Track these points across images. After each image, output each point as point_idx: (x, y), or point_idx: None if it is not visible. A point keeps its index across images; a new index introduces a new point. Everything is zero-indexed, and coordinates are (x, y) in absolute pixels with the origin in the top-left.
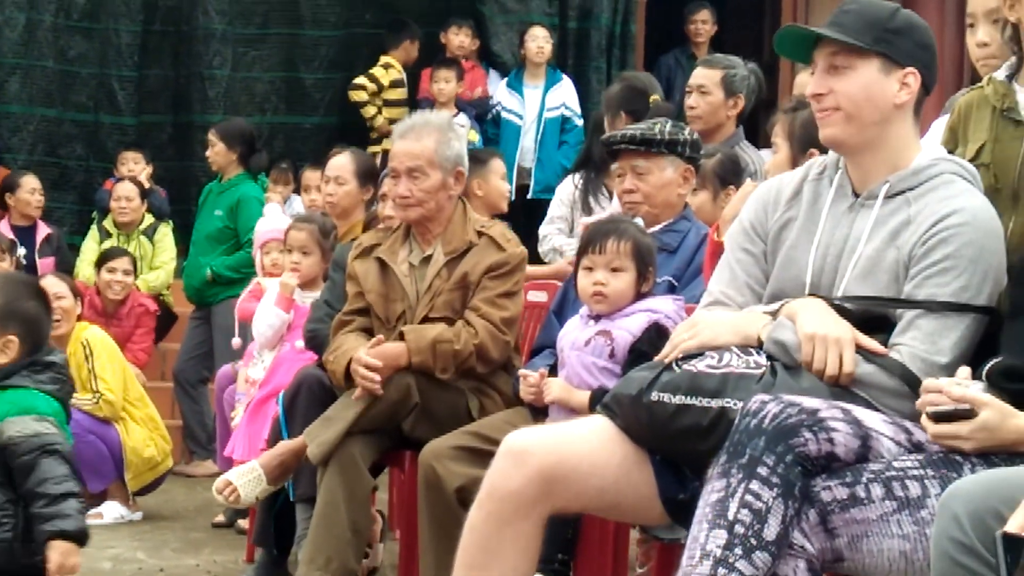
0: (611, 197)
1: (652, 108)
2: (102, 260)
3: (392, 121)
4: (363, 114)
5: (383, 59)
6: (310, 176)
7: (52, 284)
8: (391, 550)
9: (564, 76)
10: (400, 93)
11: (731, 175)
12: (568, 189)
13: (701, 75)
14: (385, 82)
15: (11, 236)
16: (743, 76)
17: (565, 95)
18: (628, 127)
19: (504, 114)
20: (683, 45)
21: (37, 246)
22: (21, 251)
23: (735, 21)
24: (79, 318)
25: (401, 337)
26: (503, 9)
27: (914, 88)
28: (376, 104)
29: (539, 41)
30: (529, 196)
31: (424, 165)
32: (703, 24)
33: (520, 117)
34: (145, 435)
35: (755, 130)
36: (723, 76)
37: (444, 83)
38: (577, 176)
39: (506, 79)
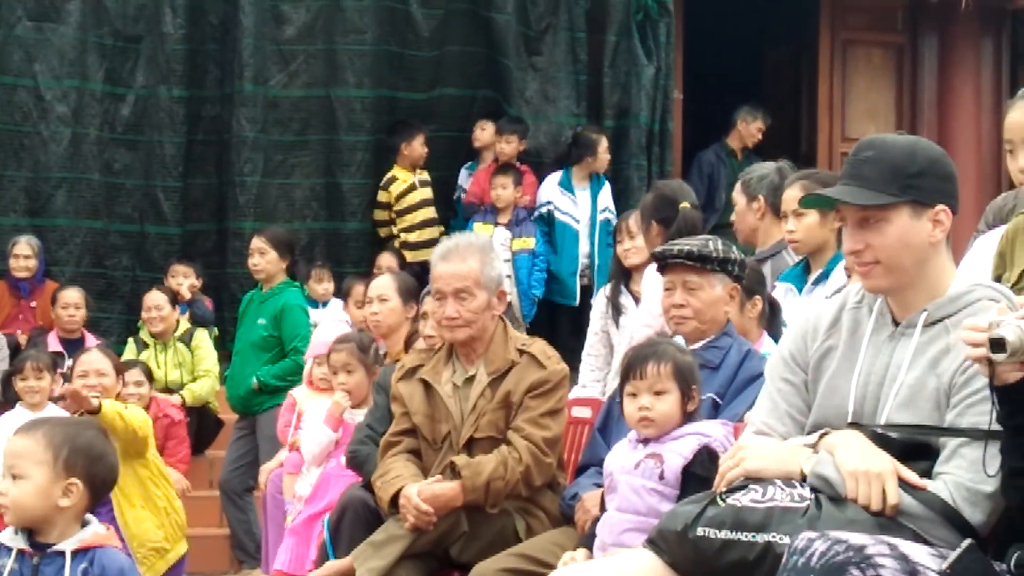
0: (636, 300)
1: (680, 215)
2: None
3: (407, 229)
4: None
5: (386, 176)
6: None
7: (95, 360)
8: None
9: (607, 181)
10: (412, 199)
11: (757, 285)
12: (601, 301)
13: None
14: (392, 199)
15: (59, 348)
16: (760, 176)
17: (607, 198)
18: (684, 240)
19: (559, 215)
20: (721, 140)
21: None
22: (68, 363)
23: (772, 113)
24: (148, 407)
25: (452, 467)
26: (531, 109)
27: (947, 223)
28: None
29: (605, 152)
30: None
31: (471, 286)
32: (758, 132)
33: (576, 220)
34: (155, 521)
35: None
36: (741, 183)
37: (502, 189)
38: (608, 286)
39: (558, 179)
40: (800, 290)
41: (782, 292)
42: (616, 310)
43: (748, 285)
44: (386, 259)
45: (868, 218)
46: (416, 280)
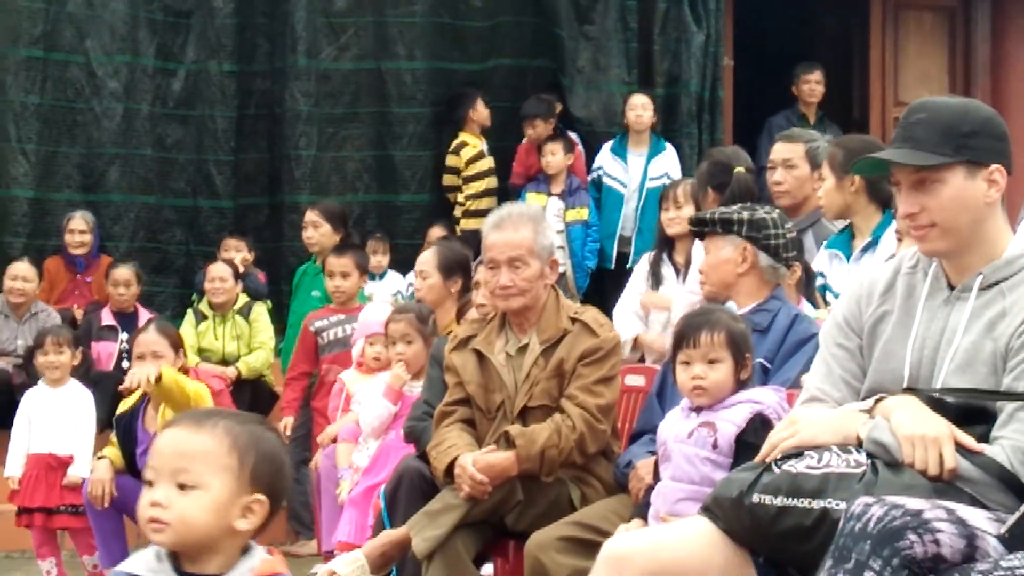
0: (676, 270)
1: (734, 179)
2: None
3: (474, 196)
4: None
5: (455, 142)
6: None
7: (151, 342)
8: None
9: (668, 145)
10: (480, 165)
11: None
12: (643, 267)
13: (786, 150)
14: (462, 164)
15: (113, 322)
16: (824, 148)
17: (668, 164)
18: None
19: (606, 180)
20: (792, 106)
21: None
22: (123, 337)
23: (825, 81)
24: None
25: (507, 437)
26: (583, 78)
27: (1002, 183)
28: (459, 183)
29: (637, 109)
30: (628, 265)
31: (525, 255)
32: (816, 85)
33: (623, 185)
34: None
35: None
36: (807, 150)
37: (551, 156)
38: (651, 254)
39: (611, 144)
40: (847, 256)
41: (827, 258)
42: (656, 279)
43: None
44: (436, 232)
45: (923, 180)
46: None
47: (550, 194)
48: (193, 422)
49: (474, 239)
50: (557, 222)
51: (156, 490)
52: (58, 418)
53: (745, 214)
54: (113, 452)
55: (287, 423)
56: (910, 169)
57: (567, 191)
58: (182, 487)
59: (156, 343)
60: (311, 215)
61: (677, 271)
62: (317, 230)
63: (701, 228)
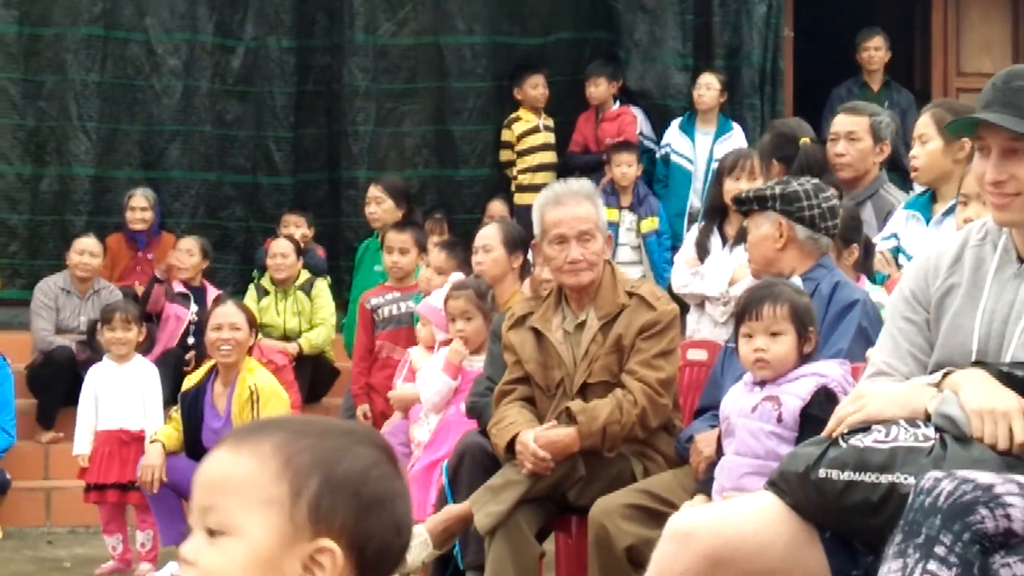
0: (725, 243)
1: (801, 150)
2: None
3: (527, 170)
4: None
5: (511, 116)
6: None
7: (230, 313)
8: None
9: (735, 126)
10: (533, 140)
11: (853, 232)
12: (693, 234)
13: (849, 122)
14: (514, 138)
15: (184, 290)
16: (887, 122)
17: (735, 145)
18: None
19: (674, 157)
20: (855, 76)
21: (208, 307)
22: (194, 308)
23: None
24: (249, 351)
25: (568, 413)
26: (639, 51)
27: None
28: (513, 157)
29: (701, 89)
30: None
31: (592, 229)
32: (876, 51)
33: (691, 162)
34: None
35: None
36: (871, 123)
37: (627, 167)
38: (702, 223)
39: (679, 122)
40: (928, 219)
41: (903, 219)
42: (703, 250)
43: (844, 234)
44: (496, 207)
45: (1017, 149)
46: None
47: (620, 207)
48: (237, 439)
49: (527, 214)
50: (631, 236)
51: (190, 539)
52: (126, 394)
53: (778, 188)
54: (167, 433)
55: (365, 411)
56: (1005, 135)
57: (636, 201)
58: (211, 533)
59: (235, 315)
60: (374, 191)
61: (725, 241)
62: (380, 206)
63: (741, 207)
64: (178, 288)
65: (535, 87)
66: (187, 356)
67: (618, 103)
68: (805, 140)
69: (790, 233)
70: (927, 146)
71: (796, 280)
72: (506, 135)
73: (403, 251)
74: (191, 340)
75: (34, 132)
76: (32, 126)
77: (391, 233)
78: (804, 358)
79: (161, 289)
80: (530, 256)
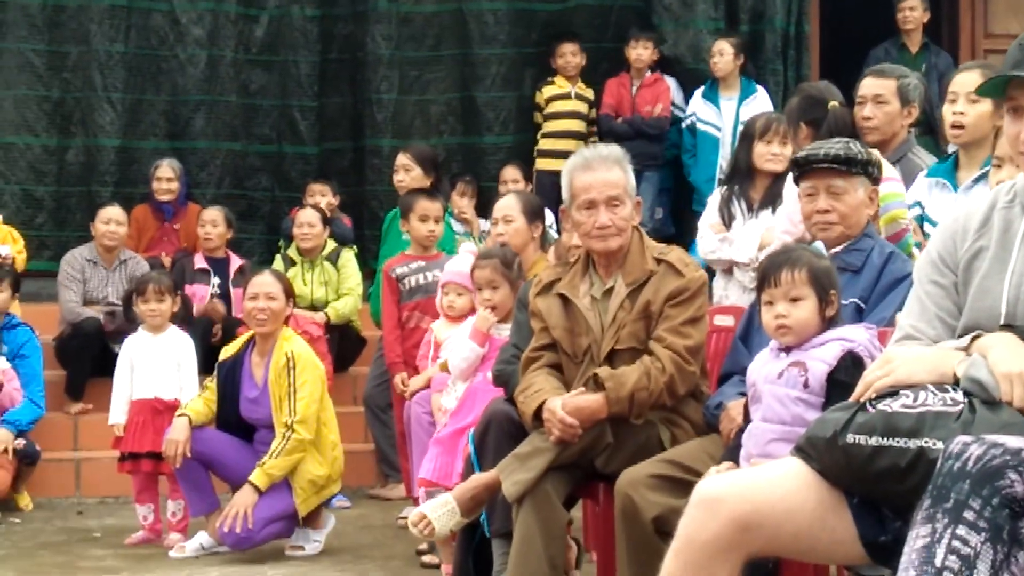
0: (750, 209)
1: (830, 114)
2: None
3: (552, 135)
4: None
5: (546, 80)
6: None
7: (266, 283)
8: (587, 572)
9: (759, 88)
10: (560, 105)
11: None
12: (716, 199)
13: (876, 85)
14: (543, 101)
15: (205, 266)
16: (915, 85)
17: (761, 107)
18: (824, 144)
19: (700, 125)
20: (893, 37)
21: (231, 277)
22: (216, 281)
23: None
24: (286, 321)
25: (595, 380)
26: (671, 16)
27: None
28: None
29: (715, 56)
30: None
31: (621, 194)
32: (911, 11)
33: (718, 129)
34: (319, 459)
35: None
36: (898, 85)
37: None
38: (723, 187)
39: (702, 90)
40: (955, 186)
41: (926, 187)
42: (728, 215)
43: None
44: (510, 172)
45: None
46: (550, 189)
47: None
48: None
49: (548, 179)
50: None
51: None
52: (161, 364)
53: (864, 152)
54: (195, 407)
55: (403, 378)
56: None
57: None
58: None
59: (271, 285)
60: (402, 159)
61: (750, 207)
62: (408, 174)
63: (848, 167)
64: (199, 264)
65: (563, 55)
66: (214, 328)
67: (649, 71)
68: (834, 104)
69: (876, 203)
70: (976, 106)
71: (818, 245)
72: (537, 97)
73: (437, 219)
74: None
75: (59, 103)
76: (57, 97)
77: (425, 201)
78: (828, 322)
79: (207, 291)
80: (550, 223)
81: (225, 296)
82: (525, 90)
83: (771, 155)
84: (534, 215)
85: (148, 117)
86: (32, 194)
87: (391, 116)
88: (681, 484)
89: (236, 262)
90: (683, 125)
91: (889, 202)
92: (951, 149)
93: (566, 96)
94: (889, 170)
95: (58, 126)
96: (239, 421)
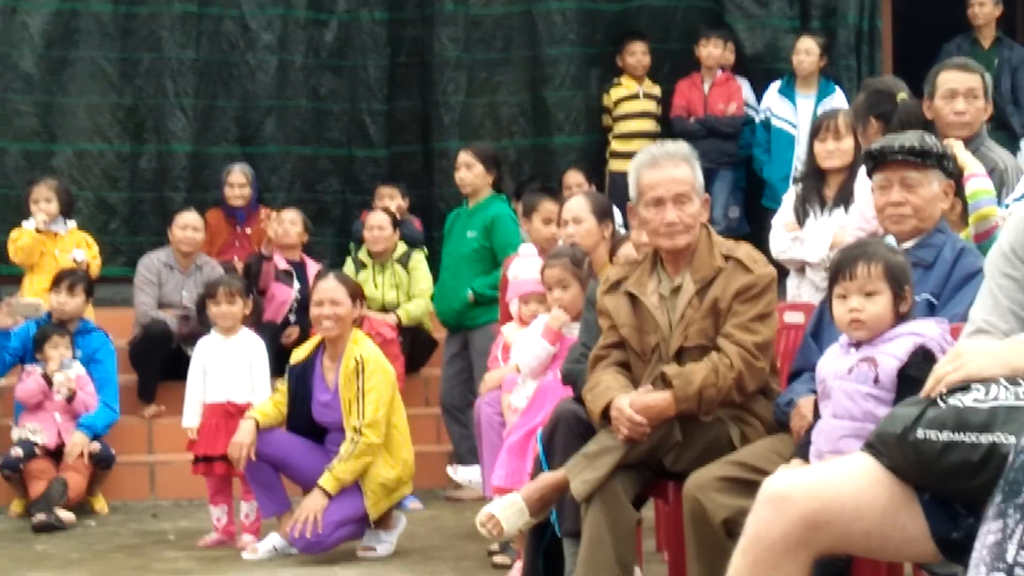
0: (824, 206)
1: (900, 106)
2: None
3: (622, 136)
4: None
5: (613, 81)
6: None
7: (330, 289)
8: (660, 573)
9: (837, 88)
10: (629, 106)
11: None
12: (791, 197)
13: (968, 79)
14: (611, 104)
15: (287, 267)
16: (990, 81)
17: (837, 107)
18: (898, 136)
19: (776, 121)
20: (966, 31)
21: (310, 281)
22: (296, 285)
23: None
24: (358, 324)
25: (663, 378)
26: (745, 14)
27: None
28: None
29: (800, 54)
30: None
31: (689, 191)
32: (981, 7)
33: (793, 126)
34: (390, 461)
35: None
36: (983, 81)
37: None
38: (798, 186)
39: (778, 86)
40: None
41: None
42: (803, 212)
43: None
44: (573, 177)
45: None
46: (623, 191)
47: None
48: None
49: (621, 180)
50: None
51: None
52: (233, 367)
53: (939, 147)
54: (263, 409)
55: None
56: None
57: None
58: None
59: (335, 290)
60: (464, 156)
61: (823, 205)
62: (470, 171)
63: (922, 159)
64: (282, 265)
65: (633, 54)
66: (287, 331)
67: (720, 71)
68: (903, 96)
69: (953, 195)
70: None
71: (890, 240)
72: (605, 100)
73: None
74: (292, 318)
75: (132, 110)
76: (130, 104)
77: (548, 203)
78: (900, 318)
79: (271, 266)
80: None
81: (304, 302)
82: (592, 90)
83: (827, 152)
84: (604, 215)
85: (219, 123)
86: (106, 200)
87: (459, 118)
88: (750, 485)
89: (313, 267)
90: (757, 120)
91: (980, 199)
92: None
93: (634, 96)
94: (976, 166)
95: (131, 133)
96: (311, 424)
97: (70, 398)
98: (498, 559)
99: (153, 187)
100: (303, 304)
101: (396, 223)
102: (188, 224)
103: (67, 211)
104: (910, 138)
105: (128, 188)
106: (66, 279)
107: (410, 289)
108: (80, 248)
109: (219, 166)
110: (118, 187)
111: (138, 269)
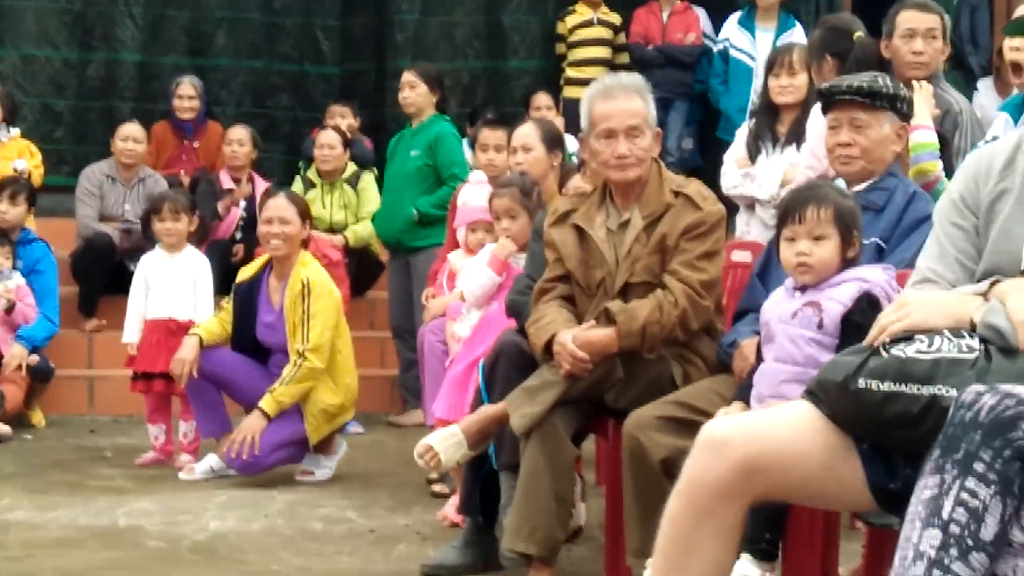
0: (776, 143)
1: (856, 45)
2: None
3: (573, 63)
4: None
5: (566, 8)
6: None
7: (279, 207)
8: (598, 507)
9: (797, 24)
10: (585, 33)
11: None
12: (744, 132)
13: (927, 19)
14: (567, 31)
15: (232, 185)
16: (948, 20)
17: (794, 40)
18: (851, 76)
19: (734, 52)
20: None
21: (257, 199)
22: (243, 203)
23: None
24: (305, 244)
25: (607, 313)
26: None
27: None
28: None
29: None
30: None
31: (641, 124)
32: None
33: (752, 58)
34: (332, 387)
35: None
36: (942, 21)
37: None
38: (752, 121)
39: (737, 17)
40: (1016, 121)
41: (1002, 123)
42: (756, 149)
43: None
44: (542, 99)
45: None
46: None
47: None
48: None
49: (575, 108)
50: None
51: None
52: (176, 284)
53: (891, 87)
54: (209, 327)
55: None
56: None
57: None
58: None
59: (285, 208)
60: (407, 76)
61: (775, 141)
62: (414, 90)
63: (872, 100)
64: (227, 184)
65: None
66: (234, 248)
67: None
68: (859, 35)
69: (904, 139)
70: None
71: (840, 183)
72: (559, 28)
73: (498, 148)
74: (239, 235)
75: (80, 16)
76: (78, 10)
77: (486, 130)
78: (847, 263)
79: (235, 213)
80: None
81: (251, 218)
82: (548, 15)
83: (779, 88)
84: (553, 143)
85: (169, 33)
86: (52, 108)
87: (413, 37)
88: (690, 425)
89: (262, 185)
90: (715, 50)
91: (920, 152)
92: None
93: (589, 23)
94: (925, 117)
95: (79, 39)
96: (255, 344)
97: (9, 309)
98: (436, 488)
99: (100, 96)
100: (250, 222)
101: (347, 143)
102: (129, 135)
103: (10, 118)
104: (861, 78)
105: (75, 96)
106: (7, 187)
107: (358, 210)
108: (22, 157)
109: (168, 77)
110: (64, 95)
111: (80, 181)
